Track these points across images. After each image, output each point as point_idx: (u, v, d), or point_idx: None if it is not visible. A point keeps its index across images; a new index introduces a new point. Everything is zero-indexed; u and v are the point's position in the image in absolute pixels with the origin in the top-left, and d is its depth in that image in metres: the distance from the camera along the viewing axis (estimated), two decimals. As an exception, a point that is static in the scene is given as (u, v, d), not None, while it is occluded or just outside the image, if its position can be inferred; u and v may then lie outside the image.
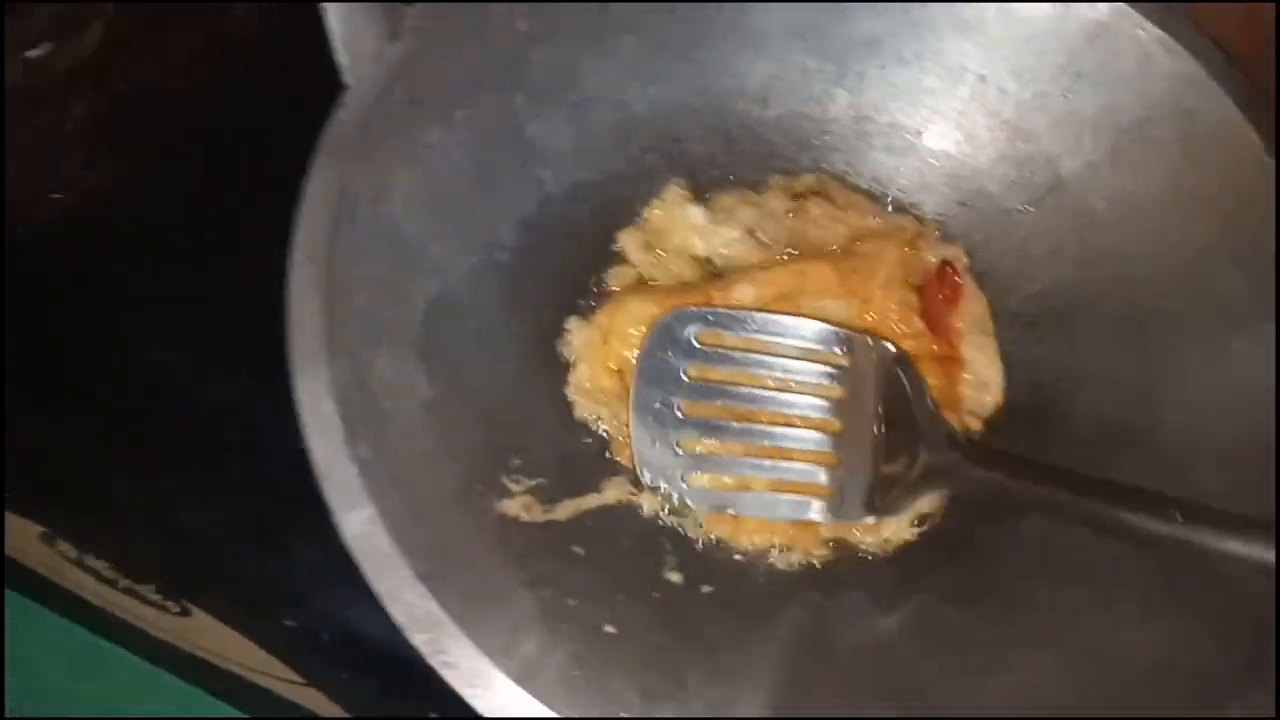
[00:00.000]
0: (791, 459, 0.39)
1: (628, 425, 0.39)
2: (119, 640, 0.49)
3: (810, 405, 0.39)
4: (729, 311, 0.39)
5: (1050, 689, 0.33)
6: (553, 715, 0.29)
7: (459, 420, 0.36)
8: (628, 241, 0.43)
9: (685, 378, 0.39)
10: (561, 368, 0.41)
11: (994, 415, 0.42)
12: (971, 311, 0.42)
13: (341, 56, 0.34)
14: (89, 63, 0.45)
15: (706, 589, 0.38)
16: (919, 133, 0.44)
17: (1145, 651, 0.33)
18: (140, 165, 0.44)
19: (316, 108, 0.34)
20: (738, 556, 0.39)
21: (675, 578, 0.38)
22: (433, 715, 0.42)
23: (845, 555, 0.39)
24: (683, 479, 0.39)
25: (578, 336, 0.41)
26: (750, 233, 0.42)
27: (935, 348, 0.41)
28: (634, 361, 0.39)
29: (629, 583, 0.37)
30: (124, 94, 0.44)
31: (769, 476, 0.39)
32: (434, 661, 0.29)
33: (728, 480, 0.39)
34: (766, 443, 0.39)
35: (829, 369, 0.39)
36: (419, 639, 0.29)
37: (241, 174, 0.43)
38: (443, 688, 0.30)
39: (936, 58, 0.43)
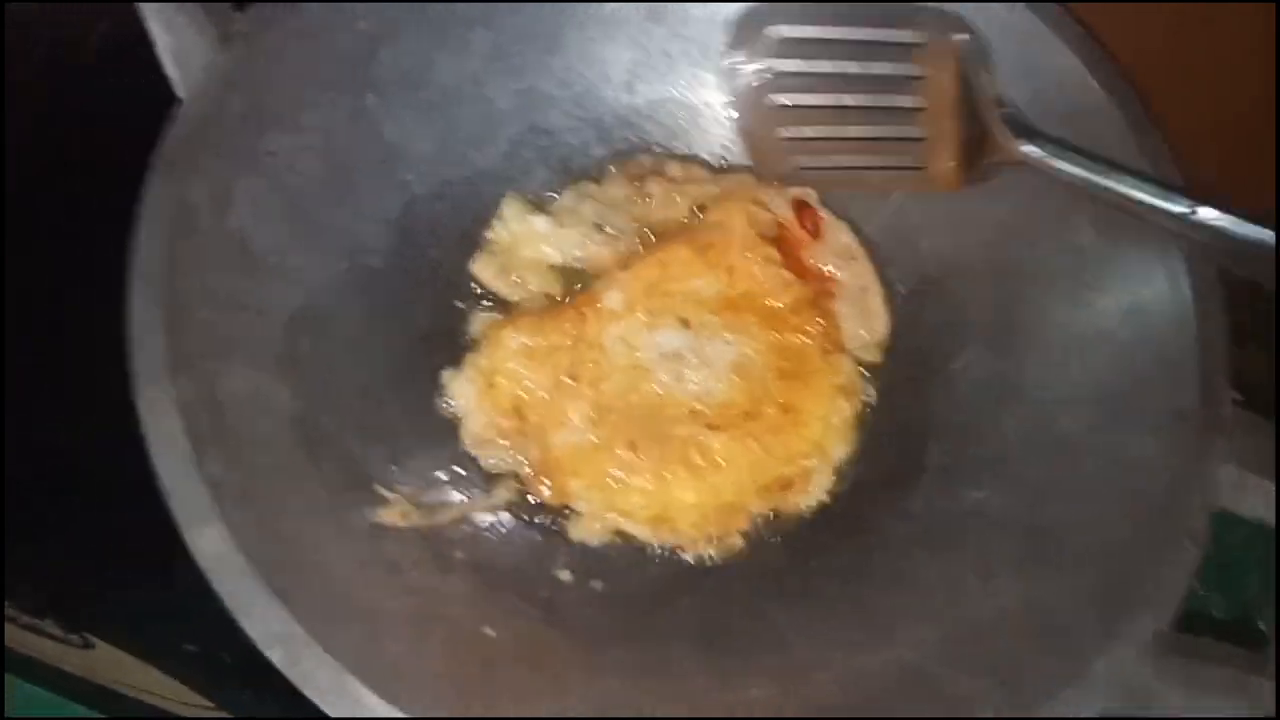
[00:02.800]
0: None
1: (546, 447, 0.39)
2: (27, 676, 0.48)
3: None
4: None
5: (929, 656, 0.33)
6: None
7: (327, 432, 0.35)
8: (482, 271, 0.42)
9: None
10: (442, 366, 0.40)
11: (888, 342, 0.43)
12: (837, 241, 0.43)
13: (170, 68, 0.33)
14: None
15: (597, 584, 0.38)
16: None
17: (1017, 612, 0.33)
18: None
19: (154, 122, 0.34)
20: (640, 550, 0.39)
21: (565, 575, 0.38)
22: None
23: (761, 535, 0.39)
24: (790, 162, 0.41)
25: (459, 389, 0.40)
26: (598, 227, 0.42)
27: (812, 294, 0.42)
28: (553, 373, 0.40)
29: (514, 583, 0.36)
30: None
31: (869, 158, 0.41)
32: (290, 674, 0.28)
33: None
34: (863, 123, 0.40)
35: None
36: (274, 655, 0.28)
37: (80, 194, 0.42)
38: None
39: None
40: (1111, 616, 0.30)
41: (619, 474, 0.39)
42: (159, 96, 0.34)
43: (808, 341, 0.41)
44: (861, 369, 0.42)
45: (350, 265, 0.39)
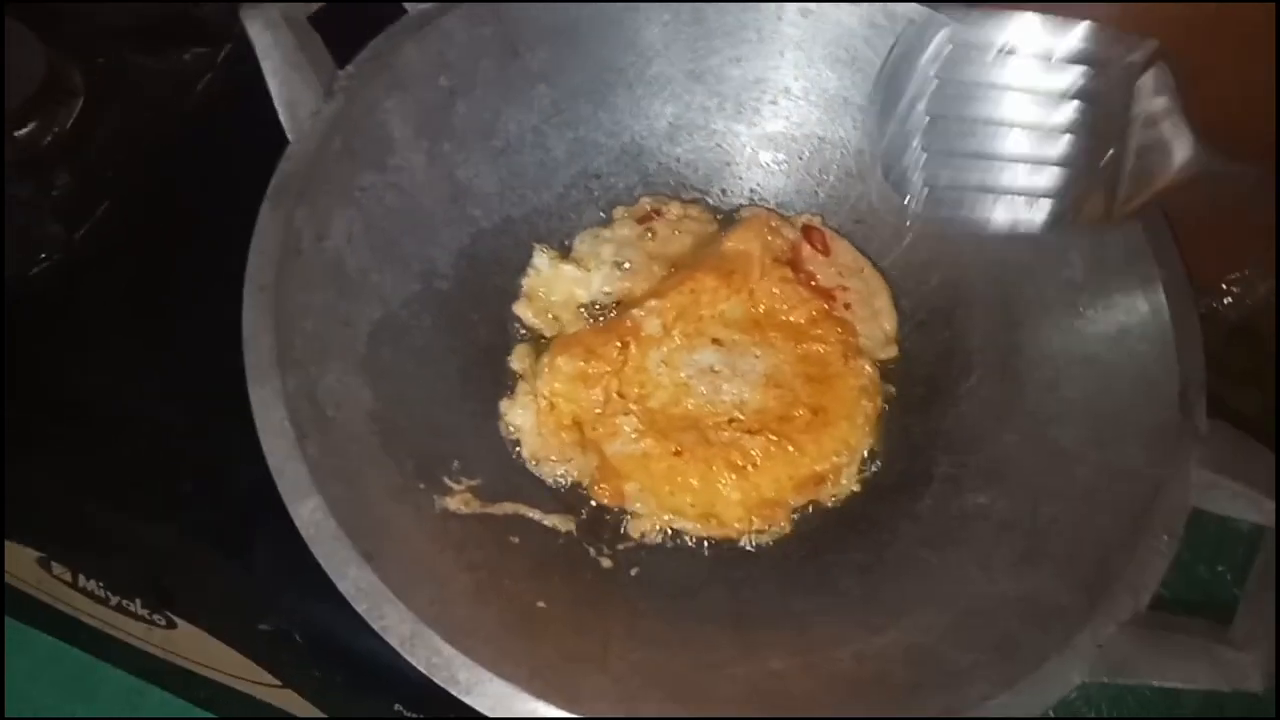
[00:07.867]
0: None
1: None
2: (109, 658, 0.53)
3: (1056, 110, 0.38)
4: (982, 21, 0.37)
5: (934, 636, 0.37)
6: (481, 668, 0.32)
7: (401, 428, 0.40)
8: (523, 311, 0.47)
9: (933, 77, 0.38)
10: (499, 384, 0.45)
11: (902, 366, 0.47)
12: (844, 256, 0.48)
13: (283, 116, 0.39)
14: (67, 137, 0.51)
15: (634, 571, 0.42)
16: (808, 157, 0.49)
17: (1014, 599, 0.37)
18: (114, 224, 0.49)
19: (266, 161, 0.40)
20: (673, 547, 0.43)
21: (606, 563, 0.42)
22: (398, 707, 0.46)
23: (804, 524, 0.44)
24: (922, 180, 0.39)
25: (516, 415, 0.45)
26: (617, 264, 0.48)
27: (827, 306, 0.47)
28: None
29: (562, 567, 0.41)
30: (96, 162, 0.50)
31: (1011, 179, 0.39)
32: (374, 625, 0.33)
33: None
34: (1010, 146, 0.39)
35: (1080, 69, 0.38)
36: (361, 607, 0.33)
37: (202, 226, 0.49)
38: (404, 681, 0.34)
39: (821, 92, 0.48)
40: (1096, 599, 0.34)
41: (669, 476, 0.43)
42: (272, 139, 0.39)
43: (828, 349, 0.46)
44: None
45: (424, 286, 0.44)
